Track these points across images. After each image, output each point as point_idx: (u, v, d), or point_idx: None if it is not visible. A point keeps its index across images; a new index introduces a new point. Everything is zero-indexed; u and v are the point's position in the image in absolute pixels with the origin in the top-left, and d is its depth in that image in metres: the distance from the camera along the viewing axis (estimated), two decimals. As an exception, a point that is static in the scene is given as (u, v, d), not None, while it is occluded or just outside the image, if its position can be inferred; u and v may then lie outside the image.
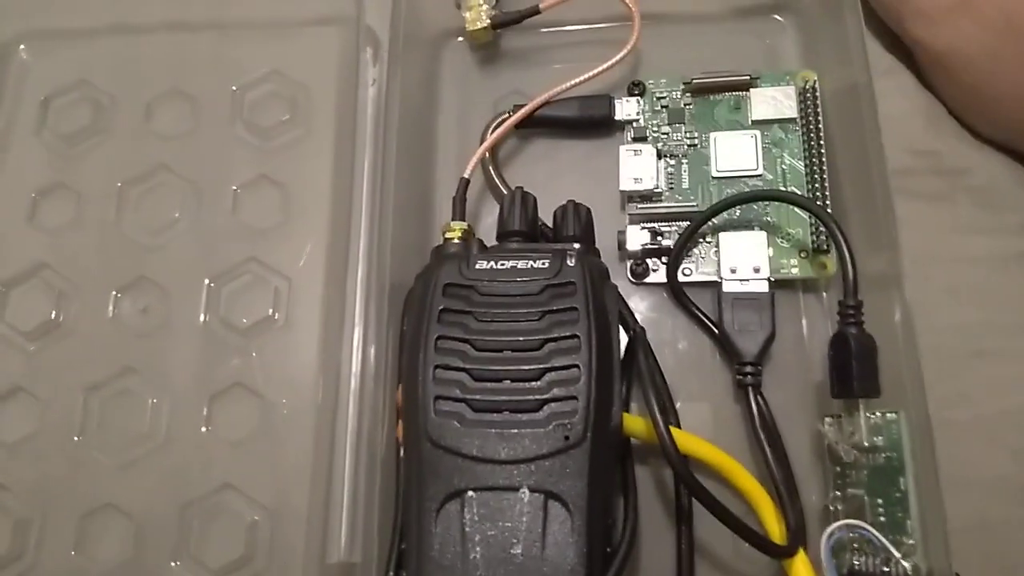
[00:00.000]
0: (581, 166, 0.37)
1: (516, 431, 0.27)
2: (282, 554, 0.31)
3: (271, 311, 0.34)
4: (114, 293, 0.35)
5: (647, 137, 0.36)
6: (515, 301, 0.29)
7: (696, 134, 0.35)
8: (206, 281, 0.35)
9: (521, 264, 0.30)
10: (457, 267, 0.30)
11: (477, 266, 0.30)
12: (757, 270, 0.32)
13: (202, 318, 0.34)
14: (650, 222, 0.34)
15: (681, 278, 0.33)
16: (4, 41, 0.40)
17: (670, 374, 0.32)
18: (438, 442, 0.27)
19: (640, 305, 0.34)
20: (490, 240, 0.33)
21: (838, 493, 0.30)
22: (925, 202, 0.35)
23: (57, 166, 0.38)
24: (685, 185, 0.35)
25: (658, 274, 0.34)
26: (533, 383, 0.28)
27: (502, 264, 0.30)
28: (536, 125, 0.37)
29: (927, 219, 0.34)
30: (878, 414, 0.28)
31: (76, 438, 0.33)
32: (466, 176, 0.34)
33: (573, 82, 0.35)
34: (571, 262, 0.30)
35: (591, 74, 0.35)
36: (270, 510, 0.32)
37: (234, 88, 0.38)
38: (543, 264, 0.30)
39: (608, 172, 0.36)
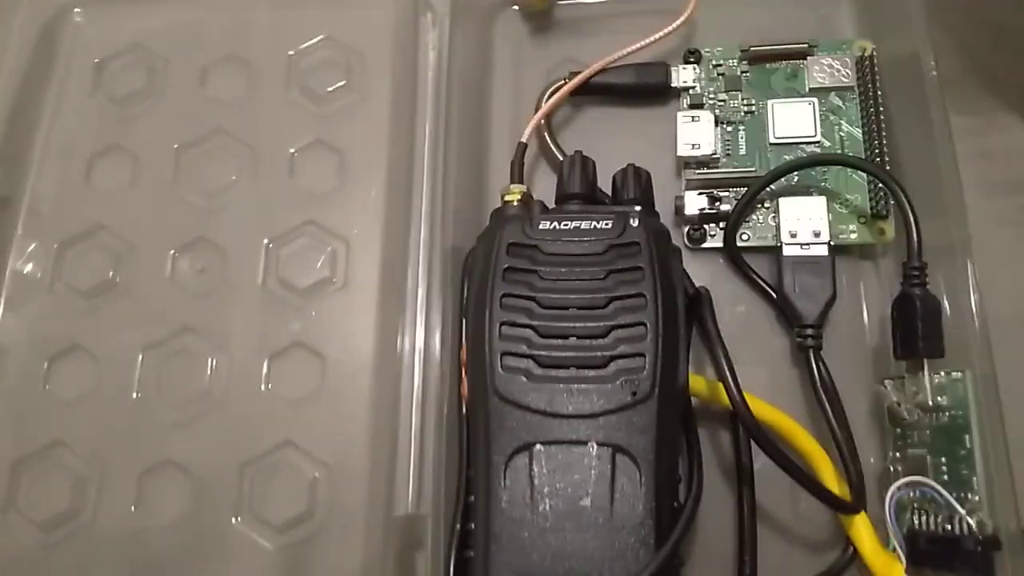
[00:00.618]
0: (635, 133, 0.37)
1: (583, 386, 0.27)
2: (343, 509, 0.31)
3: (329, 273, 0.35)
4: (172, 252, 0.35)
5: (703, 104, 0.36)
6: (579, 260, 0.29)
7: (753, 102, 0.35)
8: (264, 242, 0.35)
9: (584, 224, 0.30)
10: (520, 227, 0.30)
11: (540, 226, 0.30)
12: (817, 234, 0.32)
13: (260, 279, 0.35)
14: (707, 188, 0.34)
15: (739, 243, 0.34)
16: (59, 6, 0.40)
17: (727, 339, 0.32)
18: (506, 397, 0.28)
19: (696, 270, 0.34)
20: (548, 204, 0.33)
21: (898, 454, 0.30)
22: (986, 161, 0.35)
23: (112, 128, 0.38)
24: (742, 151, 0.35)
25: (715, 239, 0.34)
26: (599, 340, 0.28)
27: (565, 224, 0.30)
28: (591, 93, 0.37)
29: (987, 183, 0.34)
30: (942, 374, 0.29)
31: (135, 395, 0.34)
32: (523, 140, 0.34)
33: (630, 49, 0.36)
34: (634, 223, 0.30)
35: (648, 40, 0.35)
36: (331, 466, 0.32)
37: (290, 53, 0.38)
38: (606, 225, 0.30)
39: (662, 139, 0.36)
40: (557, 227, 0.30)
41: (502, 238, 0.30)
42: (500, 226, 0.31)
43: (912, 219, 0.29)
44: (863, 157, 0.33)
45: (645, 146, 0.36)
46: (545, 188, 0.35)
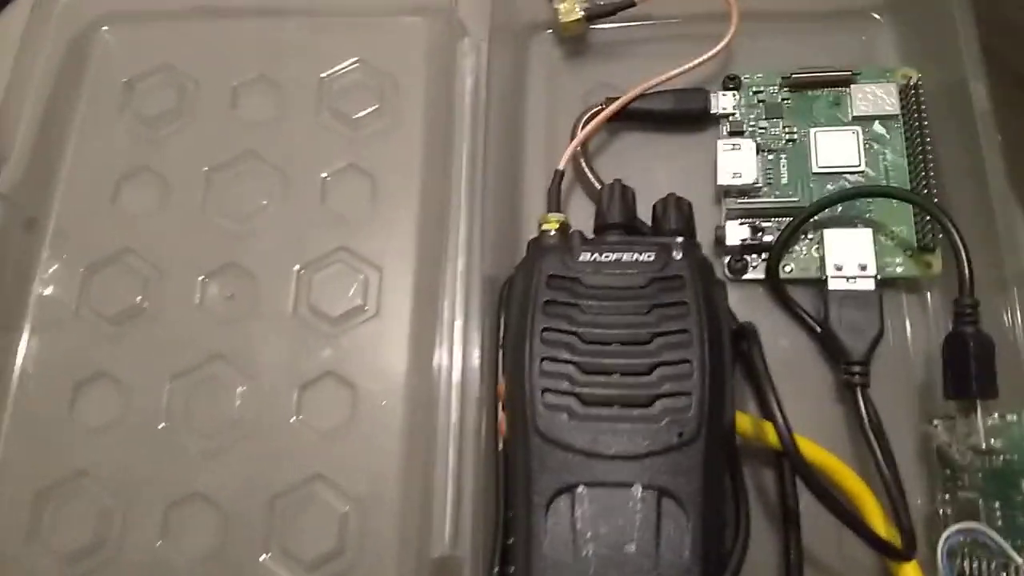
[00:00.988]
0: (674, 160, 0.36)
1: (628, 426, 0.26)
2: (375, 547, 0.30)
3: (361, 301, 0.34)
4: (201, 278, 0.35)
5: (744, 131, 0.35)
6: (622, 294, 0.28)
7: (795, 129, 0.35)
8: (295, 268, 0.34)
9: (626, 256, 0.29)
10: (560, 258, 0.30)
11: (581, 258, 0.30)
12: (864, 268, 0.31)
13: (291, 306, 0.34)
14: (749, 217, 0.34)
15: (782, 275, 0.33)
16: (87, 23, 0.40)
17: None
18: (547, 435, 0.27)
19: (738, 302, 0.33)
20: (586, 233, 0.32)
21: (947, 496, 0.29)
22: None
23: (141, 149, 0.37)
24: (784, 180, 0.34)
25: (757, 271, 0.33)
26: (644, 377, 0.27)
27: (606, 256, 0.29)
28: (628, 119, 0.36)
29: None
30: (996, 416, 0.28)
31: (161, 425, 0.33)
32: (560, 168, 0.34)
33: (669, 74, 0.35)
34: (677, 255, 0.29)
35: (687, 67, 0.35)
36: (363, 501, 0.31)
37: (322, 76, 0.38)
38: (649, 257, 0.29)
39: (702, 167, 0.35)
40: (598, 259, 0.29)
41: (541, 270, 0.29)
42: (539, 257, 0.30)
43: (964, 254, 0.29)
44: (909, 188, 0.33)
45: (684, 173, 0.36)
46: (582, 216, 0.34)
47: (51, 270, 0.36)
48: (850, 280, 0.31)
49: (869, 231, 0.32)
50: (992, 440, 0.28)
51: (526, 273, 0.30)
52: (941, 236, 0.31)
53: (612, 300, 0.28)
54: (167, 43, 0.39)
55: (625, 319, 0.28)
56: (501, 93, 0.36)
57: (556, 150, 0.36)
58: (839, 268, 0.32)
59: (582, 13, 0.36)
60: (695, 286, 0.28)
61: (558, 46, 0.39)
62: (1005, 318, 0.29)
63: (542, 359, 0.28)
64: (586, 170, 0.35)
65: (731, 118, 0.35)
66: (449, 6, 0.36)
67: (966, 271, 0.29)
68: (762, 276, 0.33)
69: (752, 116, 0.35)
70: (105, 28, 0.40)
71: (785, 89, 0.35)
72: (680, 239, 0.30)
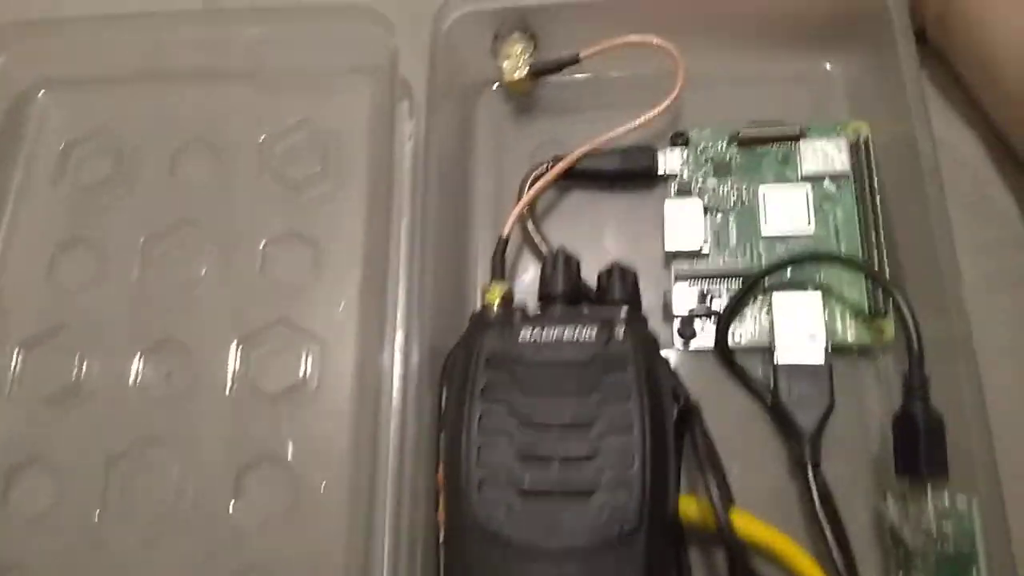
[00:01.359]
0: (624, 219, 0.35)
1: (568, 518, 0.26)
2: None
3: (302, 375, 0.33)
4: (137, 356, 0.34)
5: (692, 190, 0.34)
6: (563, 376, 0.28)
7: (743, 188, 0.34)
8: (234, 343, 0.34)
9: (567, 334, 0.28)
10: (500, 337, 0.29)
11: (521, 337, 0.29)
12: (813, 337, 0.31)
13: (229, 383, 0.33)
14: (697, 281, 0.33)
15: (731, 342, 0.32)
16: (24, 88, 0.39)
17: (720, 446, 0.31)
18: (485, 529, 0.26)
19: (687, 370, 0.32)
20: (530, 299, 0.32)
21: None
22: (985, 255, 0.33)
23: (78, 219, 0.37)
24: (733, 242, 0.33)
25: (706, 336, 0.32)
26: (585, 464, 0.26)
27: (548, 334, 0.29)
28: (576, 177, 0.35)
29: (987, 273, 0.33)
30: (947, 499, 0.27)
31: (97, 512, 0.32)
32: (504, 235, 0.33)
33: (614, 133, 0.34)
34: (619, 332, 0.28)
35: (633, 124, 0.34)
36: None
37: (262, 139, 0.37)
38: (590, 335, 0.28)
39: (652, 225, 0.34)
40: (539, 339, 0.29)
41: (481, 349, 0.29)
42: (479, 334, 0.29)
43: (913, 328, 0.28)
44: (859, 248, 0.32)
45: (633, 233, 0.35)
46: (530, 279, 0.34)
47: (-15, 348, 0.35)
48: (799, 351, 0.31)
49: (819, 296, 0.31)
50: (943, 524, 0.27)
51: (466, 352, 0.29)
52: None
53: (552, 383, 0.28)
54: (106, 107, 0.38)
55: (566, 403, 0.27)
56: (445, 153, 0.34)
57: (505, 208, 0.35)
58: (787, 338, 0.31)
59: (526, 70, 0.35)
60: (637, 367, 0.27)
61: (505, 102, 0.38)
62: (955, 389, 0.28)
63: (479, 448, 0.27)
64: (532, 233, 0.34)
65: (678, 177, 0.35)
66: (391, 64, 0.35)
67: (915, 346, 0.28)
68: (711, 344, 0.32)
69: (700, 174, 0.34)
70: (42, 92, 0.39)
71: (733, 146, 0.35)
72: (624, 313, 0.29)
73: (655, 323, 0.33)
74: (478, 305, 0.32)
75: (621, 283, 0.31)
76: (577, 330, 0.28)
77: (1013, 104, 0.33)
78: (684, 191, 0.34)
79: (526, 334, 0.29)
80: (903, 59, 0.32)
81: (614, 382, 0.27)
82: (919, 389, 0.28)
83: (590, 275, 0.32)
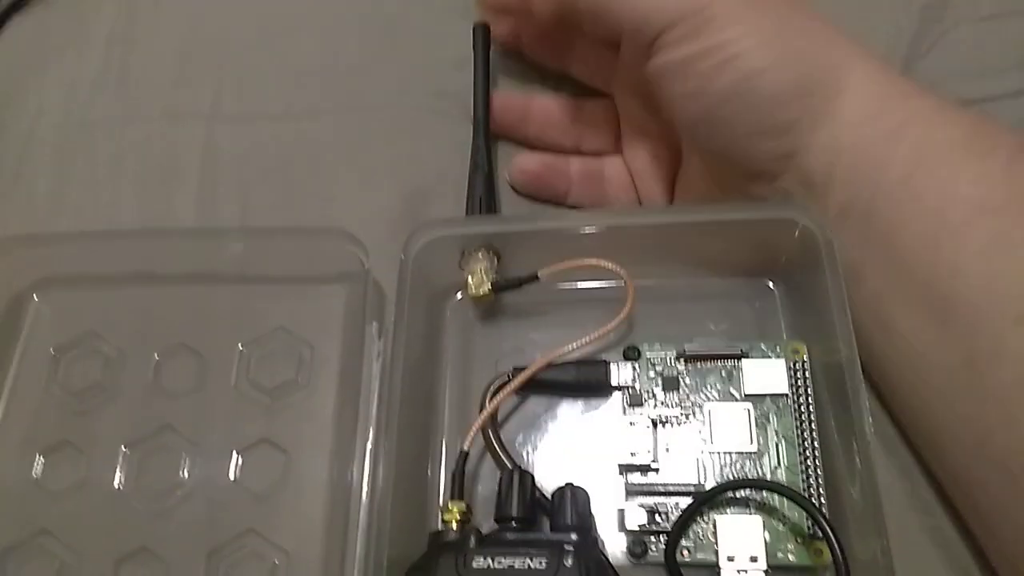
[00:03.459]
0: (581, 427, 0.37)
1: None
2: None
3: (269, 589, 0.34)
4: (114, 564, 0.35)
5: (642, 402, 0.36)
6: (513, 609, 0.29)
7: (690, 403, 0.36)
8: (205, 556, 0.35)
9: (518, 563, 0.30)
10: (453, 564, 0.30)
11: (475, 564, 0.30)
12: (754, 560, 0.32)
13: (200, 594, 0.34)
14: (648, 495, 0.35)
15: (681, 558, 0.33)
16: (22, 288, 0.41)
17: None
18: None
19: (639, 584, 0.34)
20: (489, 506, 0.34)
21: None
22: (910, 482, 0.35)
23: (64, 423, 0.38)
24: (682, 457, 0.35)
25: (657, 552, 0.34)
26: None
27: (499, 562, 0.30)
28: (536, 387, 0.37)
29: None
30: None
31: None
32: (465, 449, 0.35)
33: (568, 348, 0.37)
34: (568, 562, 0.30)
35: (584, 341, 0.36)
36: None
37: (242, 345, 0.39)
38: (540, 564, 0.30)
39: (606, 433, 0.36)
40: (491, 566, 0.30)
41: (436, 577, 0.30)
42: (434, 559, 0.31)
43: (842, 562, 0.30)
44: (798, 469, 0.34)
45: (590, 441, 0.37)
46: (491, 490, 0.35)
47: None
48: (742, 573, 0.32)
49: (759, 519, 0.33)
50: None
51: (422, 578, 0.31)
52: (830, 522, 0.32)
53: (503, 617, 0.29)
54: (94, 310, 0.41)
55: (516, 638, 0.29)
56: (414, 361, 0.37)
57: (469, 411, 0.37)
58: (731, 559, 0.32)
59: (490, 287, 0.38)
60: (583, 601, 0.29)
61: (471, 309, 0.40)
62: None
63: None
64: (494, 444, 0.36)
65: (630, 390, 0.37)
66: (363, 274, 0.38)
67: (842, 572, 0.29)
68: (662, 559, 0.34)
69: (650, 388, 0.37)
70: (35, 295, 0.42)
71: (681, 361, 0.37)
72: (573, 541, 0.31)
73: (612, 532, 0.35)
74: (439, 519, 0.34)
75: (572, 506, 0.33)
76: (528, 559, 0.30)
77: None
78: (636, 403, 0.37)
79: (479, 562, 0.30)
80: (830, 286, 0.34)
81: (561, 617, 0.29)
82: (849, 623, 0.29)
83: (549, 483, 0.34)
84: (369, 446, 0.35)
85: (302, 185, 0.45)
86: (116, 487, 0.37)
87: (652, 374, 0.37)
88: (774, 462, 0.34)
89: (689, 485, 0.34)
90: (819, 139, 0.34)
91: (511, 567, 0.30)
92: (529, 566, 0.30)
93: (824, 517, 0.31)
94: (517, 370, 0.37)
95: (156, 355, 0.40)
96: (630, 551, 0.34)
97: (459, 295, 0.40)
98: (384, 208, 0.44)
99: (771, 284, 0.39)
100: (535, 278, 0.38)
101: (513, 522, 0.33)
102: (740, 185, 0.37)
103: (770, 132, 0.34)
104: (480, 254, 0.39)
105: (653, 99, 0.37)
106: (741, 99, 0.33)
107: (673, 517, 0.34)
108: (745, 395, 0.36)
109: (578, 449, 0.37)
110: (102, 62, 0.50)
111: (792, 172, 0.35)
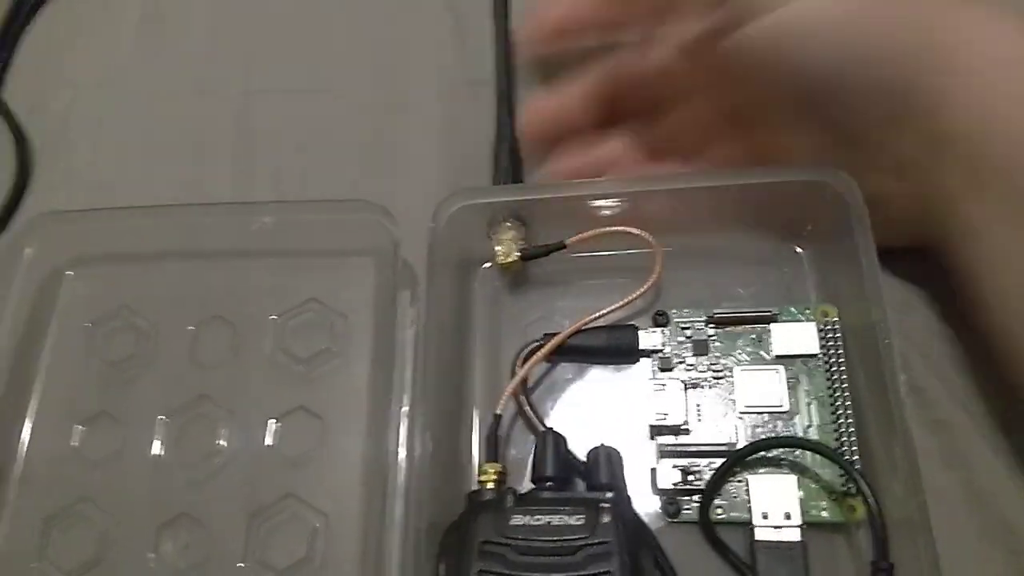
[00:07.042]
0: (611, 394, 0.38)
1: None
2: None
3: (307, 551, 0.35)
4: (155, 531, 0.36)
5: (672, 367, 0.37)
6: (552, 564, 0.30)
7: (721, 366, 0.36)
8: (245, 518, 0.36)
9: (556, 520, 0.31)
10: (493, 522, 0.31)
11: (512, 521, 0.31)
12: (788, 516, 0.33)
13: (242, 557, 0.35)
14: (680, 457, 0.35)
15: (714, 516, 0.34)
16: (54, 267, 0.42)
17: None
18: None
19: (673, 543, 0.34)
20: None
21: None
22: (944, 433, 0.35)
23: (102, 395, 0.39)
24: (713, 418, 0.35)
25: (691, 511, 0.34)
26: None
27: (537, 519, 0.31)
28: (565, 353, 0.38)
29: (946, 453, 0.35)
30: None
31: None
32: (498, 412, 0.35)
33: (598, 314, 0.37)
34: (605, 519, 0.30)
35: (614, 307, 0.37)
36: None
37: (273, 317, 0.40)
38: (578, 520, 0.31)
39: (638, 398, 0.37)
40: (529, 523, 0.31)
41: (475, 535, 0.31)
42: (473, 518, 0.31)
43: (878, 516, 0.30)
44: (831, 428, 0.34)
45: (622, 406, 0.37)
46: (524, 453, 0.36)
47: (9, 521, 0.37)
48: (776, 529, 0.33)
49: (794, 478, 0.33)
50: None
51: (461, 536, 0.31)
52: (865, 478, 0.32)
53: (543, 572, 0.30)
54: (128, 285, 0.41)
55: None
56: (444, 330, 0.37)
57: (500, 380, 0.38)
58: (765, 516, 0.33)
59: (518, 255, 0.39)
60: (621, 556, 0.30)
61: (499, 279, 0.41)
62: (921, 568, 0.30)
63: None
64: (525, 412, 0.37)
65: (660, 354, 0.37)
66: (393, 247, 0.38)
67: (880, 531, 0.30)
68: (696, 517, 0.34)
69: (680, 352, 0.37)
70: (70, 273, 0.42)
71: (711, 326, 0.37)
72: (608, 499, 0.32)
73: (644, 493, 0.35)
74: (474, 480, 0.34)
75: (607, 465, 0.33)
76: (565, 516, 0.31)
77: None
78: (665, 368, 0.37)
79: (517, 519, 0.31)
80: (861, 249, 0.35)
81: (598, 570, 0.29)
82: (884, 573, 0.29)
83: (581, 447, 0.35)
84: (405, 410, 0.35)
85: (333, 159, 0.46)
86: (155, 455, 0.38)
87: (682, 339, 0.37)
88: (806, 421, 0.35)
89: (721, 445, 0.35)
90: (945, 97, 0.32)
91: (548, 523, 0.31)
92: (566, 522, 0.31)
93: (859, 472, 0.31)
94: (548, 336, 0.38)
95: (190, 327, 0.40)
96: (664, 510, 0.35)
97: (488, 264, 0.41)
98: (415, 181, 0.44)
99: (799, 248, 0.39)
100: (562, 246, 0.38)
101: (549, 482, 0.33)
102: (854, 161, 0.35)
103: (886, 93, 0.33)
104: (508, 223, 0.39)
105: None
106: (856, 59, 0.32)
107: (706, 477, 0.34)
108: (776, 357, 0.36)
109: (608, 413, 0.37)
110: (135, 39, 0.51)
111: (910, 136, 0.33)
